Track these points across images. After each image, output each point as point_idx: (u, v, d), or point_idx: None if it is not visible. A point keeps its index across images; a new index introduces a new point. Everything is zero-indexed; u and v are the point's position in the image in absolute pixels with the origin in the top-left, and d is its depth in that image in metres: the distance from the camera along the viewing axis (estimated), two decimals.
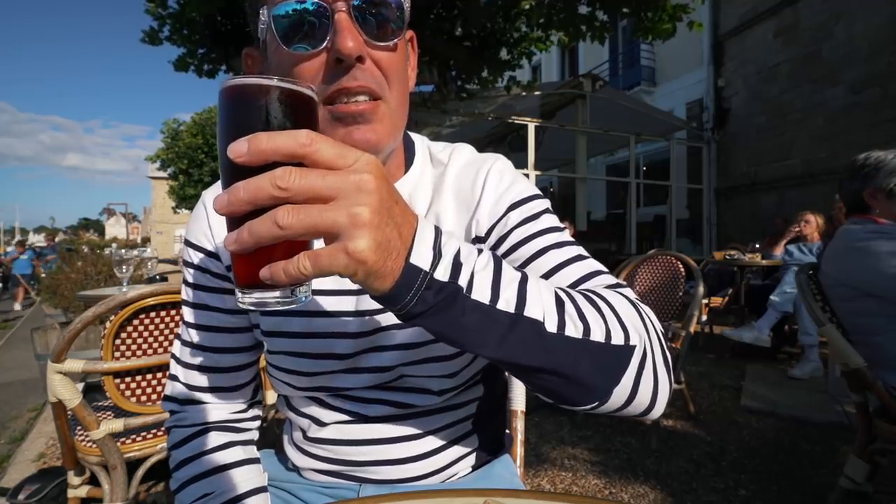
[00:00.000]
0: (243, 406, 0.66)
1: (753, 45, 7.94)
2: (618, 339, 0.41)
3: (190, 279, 0.63)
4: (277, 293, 0.33)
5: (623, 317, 0.43)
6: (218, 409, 0.63)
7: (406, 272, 0.33)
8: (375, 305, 0.55)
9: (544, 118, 8.07)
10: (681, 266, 2.65)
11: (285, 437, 0.71)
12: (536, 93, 6.82)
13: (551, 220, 0.57)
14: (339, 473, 0.63)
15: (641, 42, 10.30)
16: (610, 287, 0.50)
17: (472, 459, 0.67)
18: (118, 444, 1.31)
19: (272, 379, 0.64)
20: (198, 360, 0.62)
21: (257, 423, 0.69)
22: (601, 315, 0.41)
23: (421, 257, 0.34)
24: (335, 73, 0.46)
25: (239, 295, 0.34)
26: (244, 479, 0.59)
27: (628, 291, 0.49)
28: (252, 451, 0.64)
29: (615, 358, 0.41)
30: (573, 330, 0.39)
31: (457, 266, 0.35)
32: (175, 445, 0.61)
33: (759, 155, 7.84)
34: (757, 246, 4.39)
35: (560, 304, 0.40)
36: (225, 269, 0.60)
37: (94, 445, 1.29)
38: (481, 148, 0.64)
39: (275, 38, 0.46)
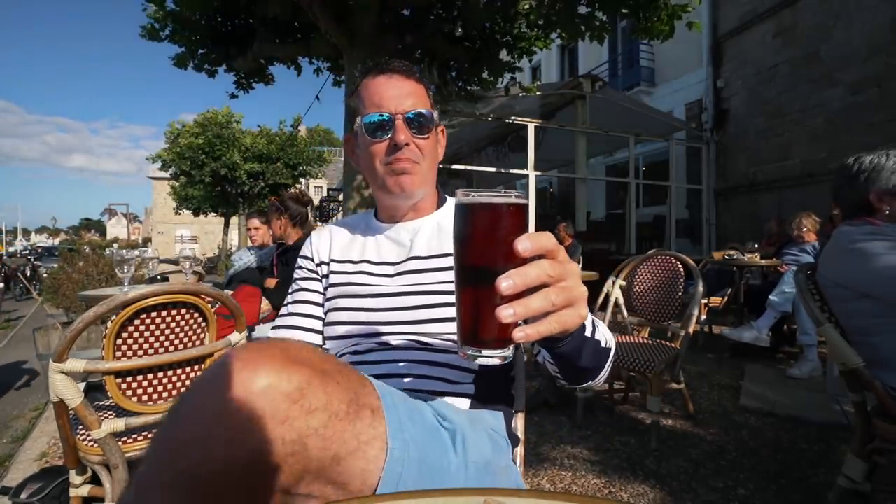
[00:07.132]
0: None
1: (752, 45, 7.95)
2: (609, 344, 0.66)
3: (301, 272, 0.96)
4: (500, 350, 0.45)
5: (608, 331, 0.67)
6: None
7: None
8: (405, 283, 0.84)
9: (544, 118, 8.06)
10: (680, 266, 2.66)
11: None
12: (536, 93, 6.82)
13: None
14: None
15: (641, 42, 10.30)
16: None
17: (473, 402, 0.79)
18: (120, 443, 1.32)
19: (327, 336, 0.88)
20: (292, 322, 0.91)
21: None
22: (606, 331, 0.66)
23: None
24: (393, 150, 0.82)
25: (470, 351, 0.45)
26: None
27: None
28: None
29: (609, 357, 0.66)
30: (605, 344, 0.64)
31: (594, 325, 0.61)
32: None
33: (758, 155, 7.84)
34: (756, 246, 4.40)
35: (609, 333, 0.67)
36: (315, 265, 0.95)
37: (96, 445, 1.30)
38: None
39: (363, 133, 0.83)
